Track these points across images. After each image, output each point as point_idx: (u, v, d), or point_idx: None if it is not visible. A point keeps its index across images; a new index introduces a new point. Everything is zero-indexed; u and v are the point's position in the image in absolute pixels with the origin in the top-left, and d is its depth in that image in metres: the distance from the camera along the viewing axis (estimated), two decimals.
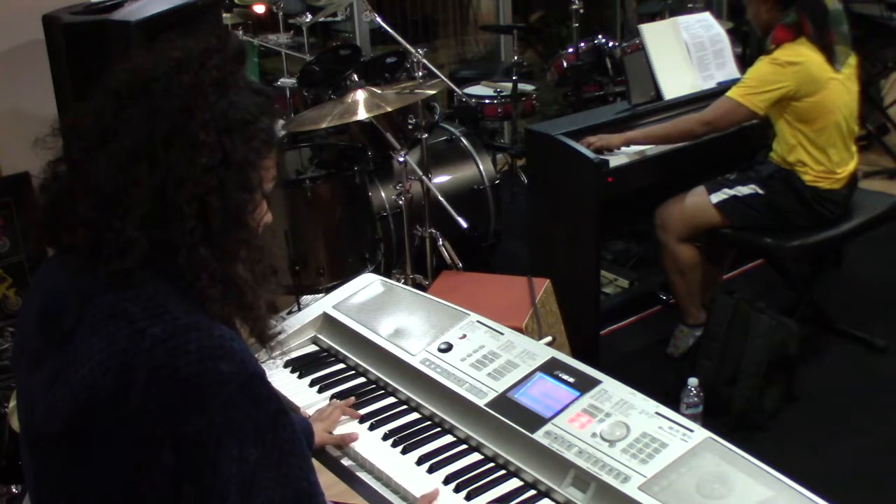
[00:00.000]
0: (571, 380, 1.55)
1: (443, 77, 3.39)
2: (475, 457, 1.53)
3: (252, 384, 1.12)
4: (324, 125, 3.05)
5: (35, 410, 1.18)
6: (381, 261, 3.57)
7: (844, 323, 3.37)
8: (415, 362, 1.69)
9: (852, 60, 3.06)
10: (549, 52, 6.23)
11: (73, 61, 2.56)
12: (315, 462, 1.58)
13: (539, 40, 6.89)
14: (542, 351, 1.65)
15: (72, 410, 1.12)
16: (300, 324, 1.93)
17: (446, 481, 1.47)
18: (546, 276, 2.99)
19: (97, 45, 2.51)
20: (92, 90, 1.21)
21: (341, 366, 1.84)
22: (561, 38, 6.33)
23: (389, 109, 3.00)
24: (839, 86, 2.99)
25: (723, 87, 3.14)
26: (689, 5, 5.29)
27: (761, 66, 2.97)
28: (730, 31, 3.85)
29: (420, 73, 3.24)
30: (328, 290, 2.35)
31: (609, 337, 3.45)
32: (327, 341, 1.90)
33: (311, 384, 1.79)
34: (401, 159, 3.20)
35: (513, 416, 1.50)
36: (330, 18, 5.15)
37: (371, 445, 1.59)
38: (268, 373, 1.78)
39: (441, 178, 3.74)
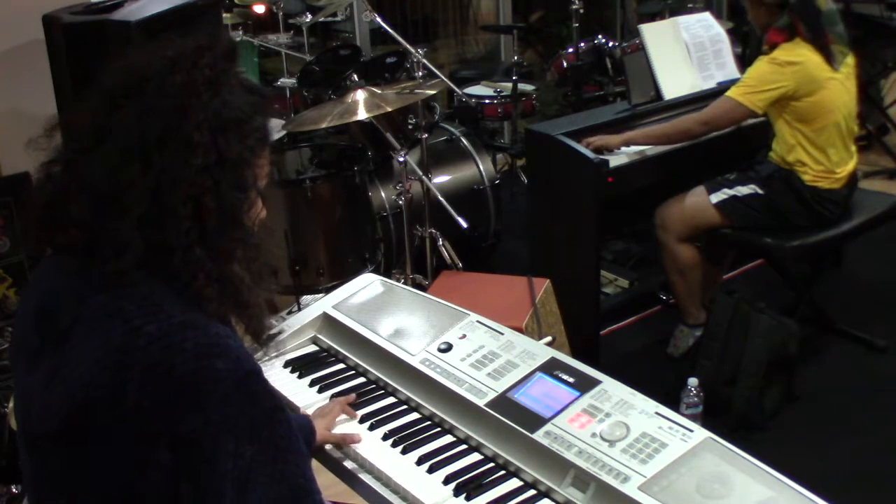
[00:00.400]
0: (571, 380, 1.55)
1: (443, 77, 3.39)
2: (475, 457, 1.53)
3: (248, 381, 1.12)
4: (324, 125, 3.05)
5: (32, 409, 1.18)
6: (381, 261, 3.57)
7: (844, 323, 3.37)
8: (415, 362, 1.69)
9: (850, 60, 3.06)
10: (549, 52, 6.23)
11: (73, 61, 2.56)
12: (315, 462, 1.58)
13: (539, 40, 6.89)
14: (542, 351, 1.65)
15: (69, 409, 1.12)
16: (300, 324, 1.93)
17: (446, 481, 1.47)
18: (546, 276, 2.99)
19: (97, 45, 2.52)
20: (86, 90, 1.21)
21: (341, 366, 1.84)
22: (561, 38, 6.33)
23: (389, 109, 3.00)
24: (838, 85, 2.99)
25: (723, 87, 3.14)
26: (689, 5, 5.28)
27: (760, 65, 2.97)
28: (730, 31, 3.85)
29: (420, 73, 3.24)
30: (328, 290, 2.35)
31: (609, 337, 3.45)
32: (327, 341, 1.90)
33: (311, 384, 1.79)
34: (401, 159, 3.19)
35: (513, 416, 1.50)
36: (330, 18, 5.15)
37: (371, 445, 1.59)
38: (268, 373, 1.78)
39: (441, 178, 3.74)
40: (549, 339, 1.82)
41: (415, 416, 1.66)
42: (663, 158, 3.21)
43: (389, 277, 2.39)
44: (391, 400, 1.71)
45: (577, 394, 1.52)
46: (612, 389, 1.52)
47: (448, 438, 1.58)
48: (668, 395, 2.63)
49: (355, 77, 3.32)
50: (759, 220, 3.07)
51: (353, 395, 1.71)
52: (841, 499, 1.32)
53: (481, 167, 3.89)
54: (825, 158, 3.01)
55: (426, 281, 3.33)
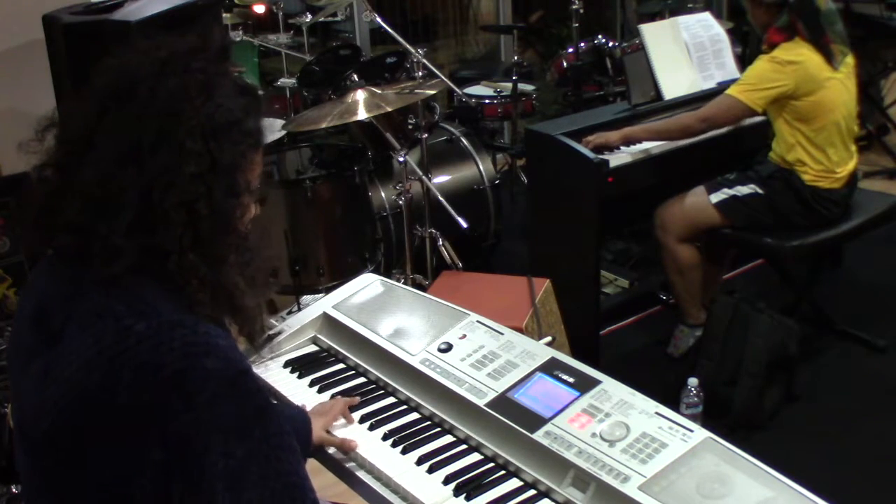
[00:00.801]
0: (571, 380, 1.55)
1: (443, 77, 3.39)
2: (475, 457, 1.53)
3: (238, 380, 1.12)
4: (324, 125, 3.05)
5: (26, 409, 1.19)
6: (381, 261, 3.57)
7: (844, 323, 3.37)
8: (415, 362, 1.69)
9: (850, 60, 3.06)
10: (549, 52, 6.24)
11: (73, 61, 2.56)
12: (315, 462, 1.59)
13: (539, 40, 6.89)
14: (542, 351, 1.64)
15: (61, 408, 1.12)
16: (300, 324, 1.93)
17: (446, 481, 1.47)
18: (546, 276, 2.99)
19: (97, 45, 2.52)
20: (77, 91, 1.21)
21: (341, 366, 1.84)
22: (561, 38, 6.33)
23: (389, 109, 3.00)
24: (838, 85, 2.99)
25: (722, 87, 3.14)
26: (689, 5, 5.28)
27: (760, 64, 2.97)
28: (730, 31, 3.85)
29: (420, 73, 3.24)
30: (328, 290, 2.35)
31: (609, 337, 3.45)
32: (327, 341, 1.90)
33: (311, 384, 1.79)
34: (401, 159, 3.20)
35: (513, 416, 1.50)
36: (330, 18, 5.14)
37: (371, 445, 1.59)
38: (268, 373, 1.78)
39: (441, 178, 3.74)
40: (549, 339, 1.82)
41: (415, 416, 1.66)
42: (663, 158, 3.21)
43: (389, 277, 2.39)
44: (391, 400, 1.71)
45: (577, 394, 1.52)
46: (612, 389, 1.52)
47: (448, 438, 1.58)
48: (668, 395, 2.62)
49: (355, 77, 3.32)
50: (759, 219, 3.07)
51: (356, 398, 1.70)
52: (841, 499, 1.32)
53: (481, 167, 3.89)
54: (825, 158, 3.01)
55: (426, 281, 3.33)
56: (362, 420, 1.65)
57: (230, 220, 1.19)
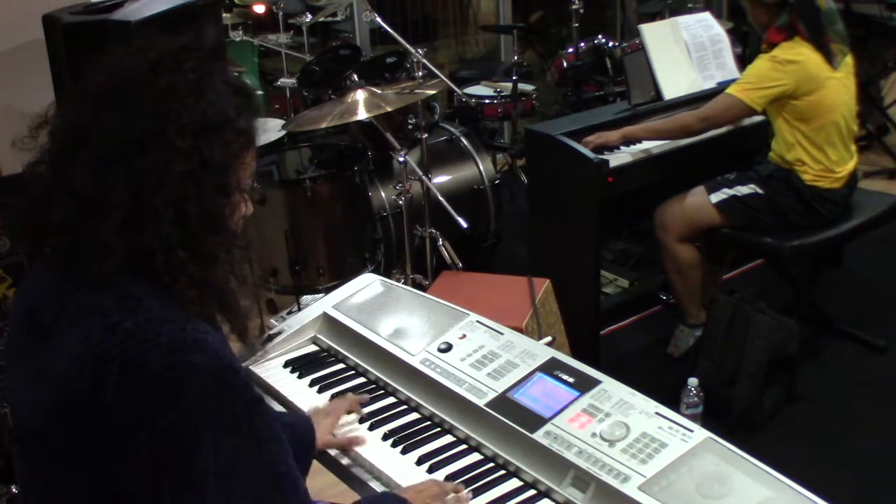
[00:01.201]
0: (571, 380, 1.55)
1: (443, 77, 3.39)
2: (475, 457, 1.53)
3: (225, 375, 1.13)
4: (324, 125, 3.05)
5: (20, 408, 1.19)
6: (381, 261, 3.57)
7: (844, 323, 3.37)
8: (415, 362, 1.69)
9: (849, 59, 3.06)
10: (549, 52, 6.23)
11: (73, 61, 2.56)
12: (315, 462, 1.59)
13: (539, 40, 6.89)
14: (542, 351, 1.65)
15: (52, 405, 1.13)
16: (300, 324, 1.93)
17: (446, 481, 1.47)
18: (546, 276, 2.98)
19: (97, 45, 2.51)
20: (70, 90, 1.22)
21: (341, 366, 1.84)
22: (561, 38, 6.33)
23: (389, 109, 3.00)
24: (838, 84, 2.99)
25: (722, 87, 3.14)
26: (689, 5, 5.28)
27: (760, 63, 2.97)
28: (730, 31, 3.84)
29: (420, 73, 3.24)
30: (328, 290, 2.35)
31: (609, 337, 3.45)
32: (327, 341, 1.90)
33: (311, 384, 1.79)
34: (401, 159, 3.20)
35: (513, 416, 1.50)
36: (330, 18, 5.14)
37: (371, 445, 1.59)
38: (268, 372, 1.78)
39: (441, 178, 3.74)
40: (549, 339, 1.82)
41: (415, 416, 1.66)
42: (663, 158, 3.21)
43: (389, 277, 2.39)
44: (391, 400, 1.71)
45: (577, 394, 1.52)
46: (612, 389, 1.52)
47: (448, 438, 1.59)
48: (668, 395, 2.62)
49: (355, 77, 3.32)
50: (759, 219, 3.07)
51: (365, 396, 1.70)
52: (841, 499, 1.32)
53: (481, 167, 3.89)
54: (824, 157, 3.00)
55: (426, 281, 3.33)
56: (362, 420, 1.66)
57: (220, 218, 1.19)
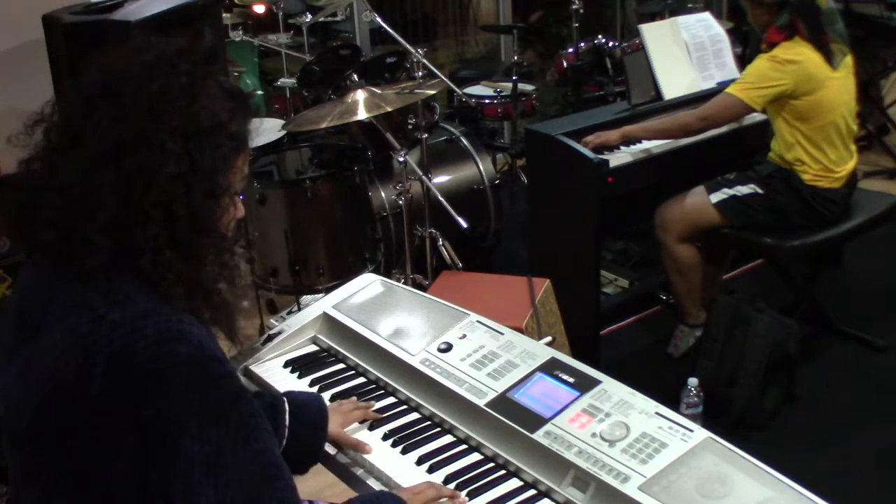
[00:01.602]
0: (571, 380, 1.55)
1: (443, 77, 3.39)
2: (475, 457, 1.53)
3: (211, 366, 1.13)
4: (324, 125, 3.05)
5: (10, 405, 1.20)
6: (381, 261, 3.57)
7: (844, 323, 3.37)
8: (415, 362, 1.69)
9: (849, 59, 3.06)
10: (549, 52, 6.24)
11: (73, 61, 2.56)
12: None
13: (539, 40, 6.89)
14: (542, 351, 1.65)
15: (40, 399, 1.14)
16: (300, 324, 1.93)
17: (446, 481, 1.47)
18: (546, 276, 2.98)
19: (97, 45, 2.51)
20: (66, 88, 1.23)
21: (341, 366, 1.84)
22: (561, 38, 6.33)
23: (389, 109, 3.00)
24: (838, 84, 2.99)
25: (722, 87, 3.14)
26: (689, 5, 5.28)
27: (760, 63, 2.97)
28: (730, 31, 3.85)
29: (420, 73, 3.24)
30: (328, 290, 2.35)
31: (609, 337, 3.45)
32: (327, 341, 1.90)
33: (311, 384, 1.79)
34: (401, 159, 3.19)
35: (513, 416, 1.50)
36: (330, 18, 5.15)
37: (371, 446, 1.59)
38: (268, 372, 1.78)
39: (441, 178, 3.74)
40: (549, 339, 1.82)
41: (415, 416, 1.66)
42: (663, 158, 3.21)
43: (389, 277, 2.38)
44: (391, 400, 1.71)
45: (577, 394, 1.52)
46: (612, 389, 1.52)
47: (448, 438, 1.58)
48: (668, 395, 2.62)
49: (355, 77, 3.32)
50: (759, 219, 3.07)
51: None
52: (841, 499, 1.32)
53: (481, 167, 3.89)
54: (824, 157, 3.00)
55: (426, 281, 3.33)
56: (363, 420, 1.65)
57: (208, 220, 1.20)
